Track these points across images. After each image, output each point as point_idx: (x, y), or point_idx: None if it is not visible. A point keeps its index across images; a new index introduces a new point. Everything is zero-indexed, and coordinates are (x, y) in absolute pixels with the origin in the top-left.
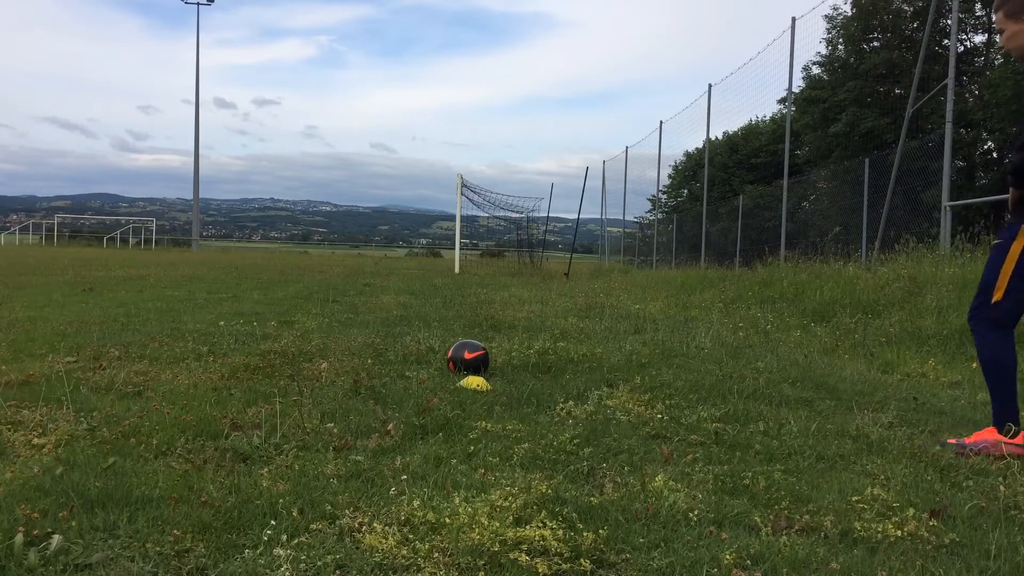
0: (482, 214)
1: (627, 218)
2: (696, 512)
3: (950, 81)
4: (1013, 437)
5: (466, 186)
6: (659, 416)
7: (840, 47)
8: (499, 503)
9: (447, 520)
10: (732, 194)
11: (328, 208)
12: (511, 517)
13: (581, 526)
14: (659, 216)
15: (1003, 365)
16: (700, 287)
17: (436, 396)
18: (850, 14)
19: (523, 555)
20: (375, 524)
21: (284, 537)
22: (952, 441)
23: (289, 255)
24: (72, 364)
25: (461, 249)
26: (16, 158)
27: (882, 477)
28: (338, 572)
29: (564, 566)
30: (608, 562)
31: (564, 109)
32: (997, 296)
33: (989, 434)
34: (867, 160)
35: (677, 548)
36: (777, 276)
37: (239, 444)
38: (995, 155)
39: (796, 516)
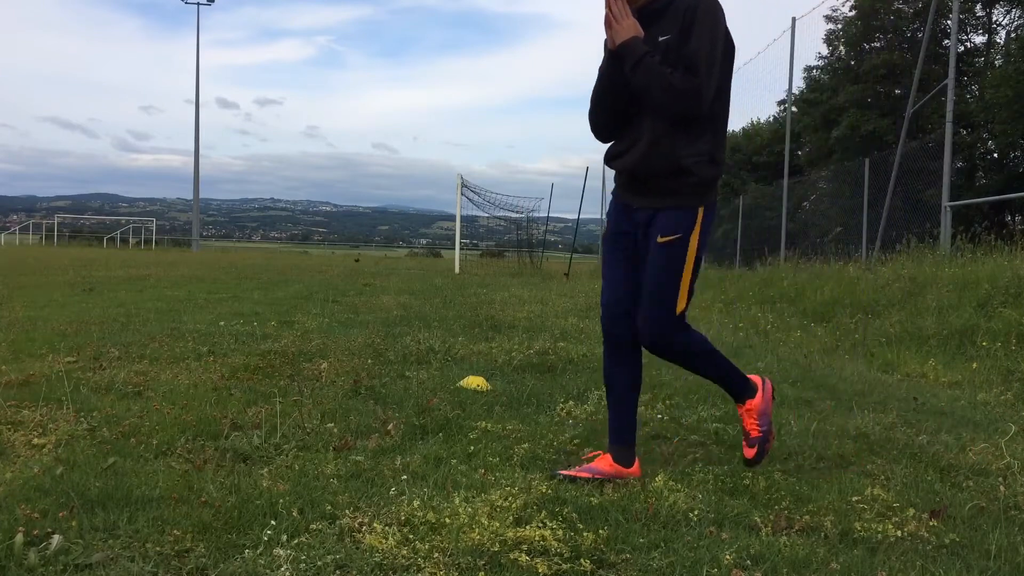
0: (482, 214)
1: None
2: (696, 512)
3: (950, 81)
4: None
5: (466, 186)
6: (659, 416)
7: (841, 48)
8: (499, 503)
9: (447, 520)
10: (732, 194)
11: (328, 208)
12: (511, 517)
13: (581, 526)
14: None
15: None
16: (700, 287)
17: (436, 396)
18: (850, 15)
19: (523, 555)
20: (375, 524)
21: (284, 537)
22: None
23: (289, 255)
24: (72, 364)
25: (461, 249)
26: (16, 158)
27: (882, 477)
28: (338, 572)
29: (564, 566)
30: (608, 562)
31: (565, 109)
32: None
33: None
34: (867, 160)
35: (677, 548)
36: (777, 276)
37: (239, 444)
38: (995, 155)
39: (796, 516)
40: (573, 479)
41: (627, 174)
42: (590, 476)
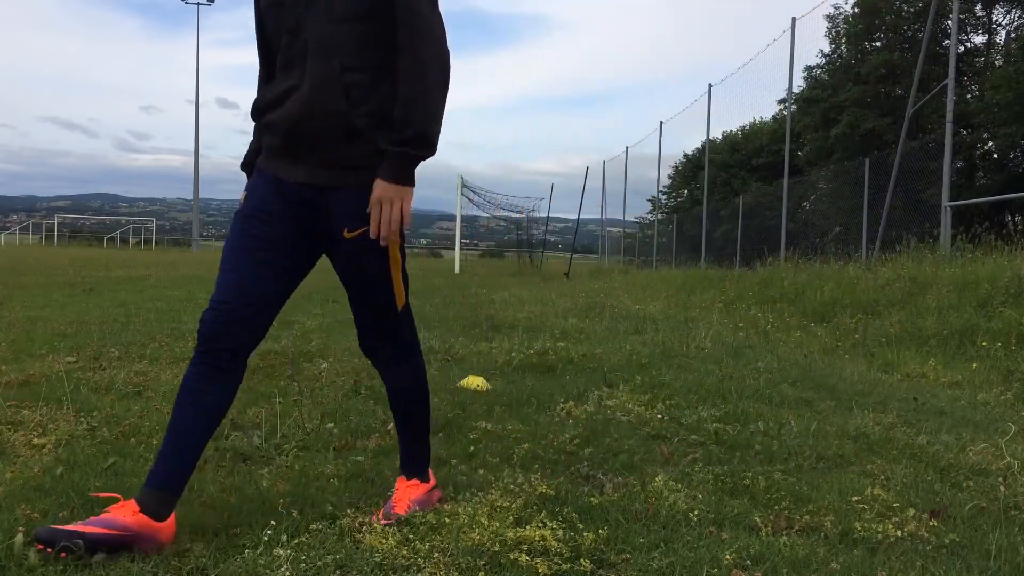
0: (482, 214)
1: (627, 218)
2: (696, 512)
3: (950, 81)
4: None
5: (466, 186)
6: (659, 416)
7: (843, 47)
8: (499, 503)
9: (447, 520)
10: (732, 194)
11: None
12: (511, 517)
13: (581, 526)
14: (659, 217)
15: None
16: (700, 287)
17: (436, 396)
18: (851, 14)
19: (523, 555)
20: (375, 524)
21: (284, 537)
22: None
23: None
24: (72, 364)
25: (461, 249)
26: (16, 158)
27: (882, 477)
28: (338, 572)
29: (564, 566)
30: (608, 562)
31: (564, 109)
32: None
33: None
34: (867, 160)
35: (677, 548)
36: (777, 276)
37: (239, 444)
38: (995, 155)
39: (796, 516)
40: (72, 537)
41: (282, 134)
42: (100, 532)
